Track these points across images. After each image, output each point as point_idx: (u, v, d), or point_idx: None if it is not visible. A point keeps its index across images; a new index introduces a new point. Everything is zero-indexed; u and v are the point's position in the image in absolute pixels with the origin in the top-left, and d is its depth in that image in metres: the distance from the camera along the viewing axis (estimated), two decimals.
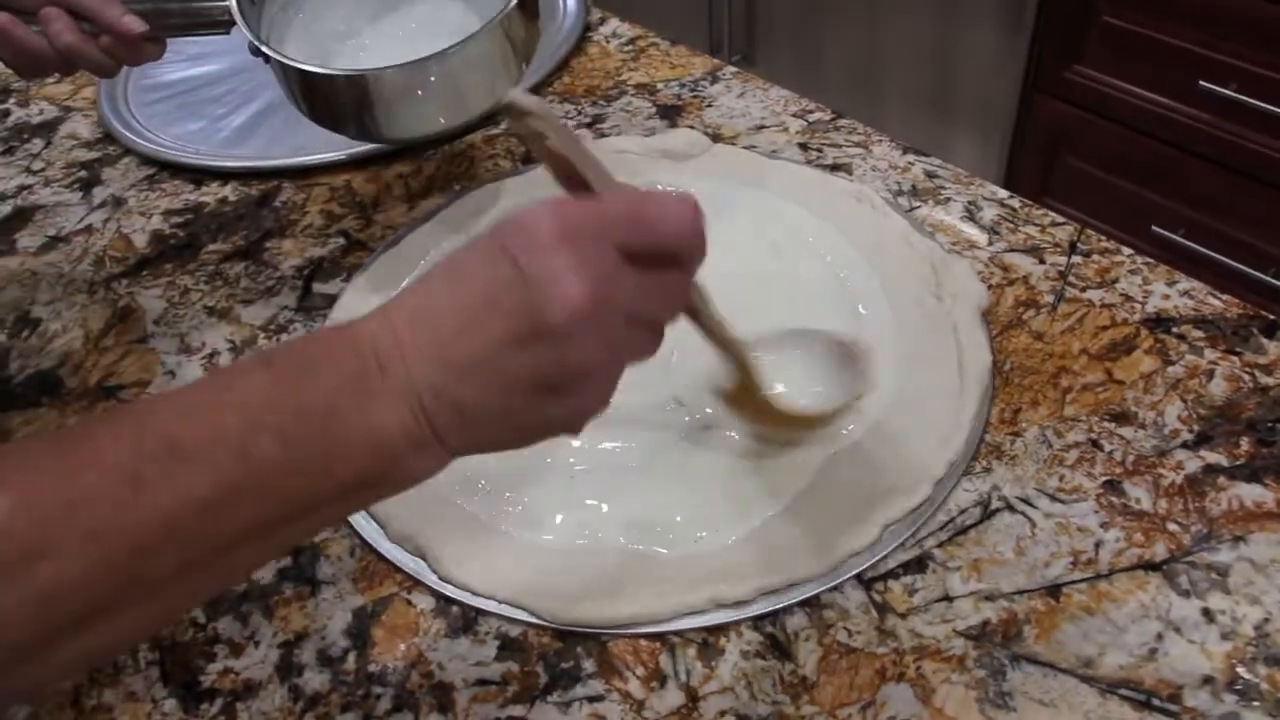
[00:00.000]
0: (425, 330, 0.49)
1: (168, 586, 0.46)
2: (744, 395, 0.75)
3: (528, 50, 0.92)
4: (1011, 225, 0.94)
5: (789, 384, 0.78)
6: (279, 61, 0.86)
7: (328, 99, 0.89)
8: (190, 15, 0.88)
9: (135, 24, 0.82)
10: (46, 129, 1.24)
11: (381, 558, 0.75)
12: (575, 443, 0.80)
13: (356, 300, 0.93)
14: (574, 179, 0.55)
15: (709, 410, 0.81)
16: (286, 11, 0.96)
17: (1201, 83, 1.71)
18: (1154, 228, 1.88)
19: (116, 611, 0.45)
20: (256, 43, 0.86)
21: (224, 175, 1.14)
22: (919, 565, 0.71)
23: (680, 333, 0.86)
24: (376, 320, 0.51)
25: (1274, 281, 1.76)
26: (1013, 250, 0.92)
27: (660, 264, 0.52)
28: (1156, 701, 0.62)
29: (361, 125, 0.89)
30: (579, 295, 0.48)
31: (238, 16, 0.86)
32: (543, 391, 0.50)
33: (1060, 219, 0.95)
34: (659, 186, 1.02)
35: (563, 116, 1.16)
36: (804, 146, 1.06)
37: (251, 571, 0.47)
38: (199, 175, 1.14)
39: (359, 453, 0.48)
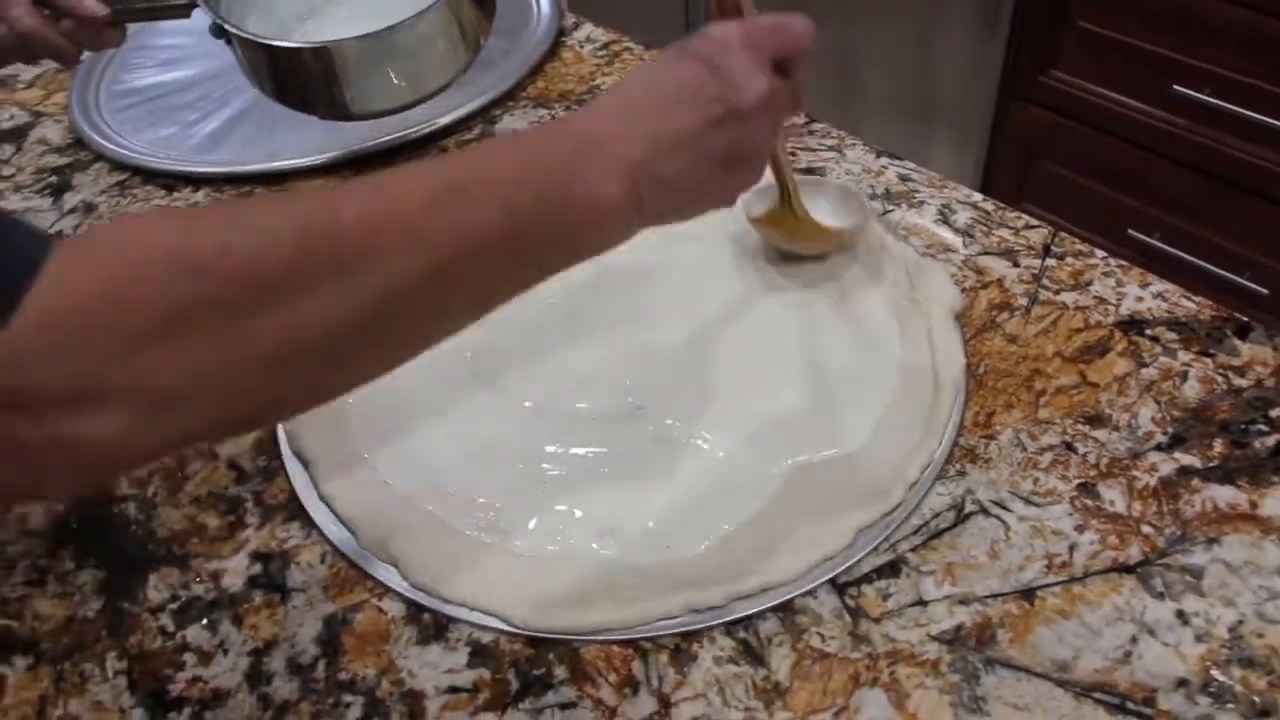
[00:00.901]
0: (632, 121, 0.59)
1: (448, 305, 0.55)
2: (780, 213, 0.90)
3: (483, 25, 0.92)
4: (985, 228, 0.94)
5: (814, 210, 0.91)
6: (241, 38, 0.85)
7: (293, 75, 0.88)
8: None
9: (96, 7, 0.82)
10: (17, 134, 1.23)
11: (353, 565, 0.74)
12: (549, 448, 0.79)
13: None
14: (727, 7, 0.68)
15: (669, 422, 0.81)
16: None
17: (1175, 87, 1.71)
18: (1130, 231, 1.89)
19: (415, 314, 0.53)
20: (219, 21, 0.85)
21: (196, 181, 1.13)
22: (892, 569, 0.70)
23: (647, 345, 0.87)
24: (586, 117, 0.60)
25: (1248, 284, 1.77)
26: (987, 253, 0.92)
27: (787, 71, 0.65)
28: (1131, 705, 0.62)
29: (330, 101, 0.89)
30: (765, 86, 0.61)
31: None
32: (729, 163, 0.62)
33: (1034, 222, 0.95)
34: None
35: (536, 122, 1.15)
36: None
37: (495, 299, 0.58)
38: (171, 181, 1.13)
39: (583, 208, 0.57)
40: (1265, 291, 1.76)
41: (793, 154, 0.88)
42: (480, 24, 0.92)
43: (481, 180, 0.55)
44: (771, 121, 0.64)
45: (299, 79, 0.88)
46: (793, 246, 0.92)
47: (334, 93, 0.87)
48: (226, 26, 0.85)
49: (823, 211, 0.92)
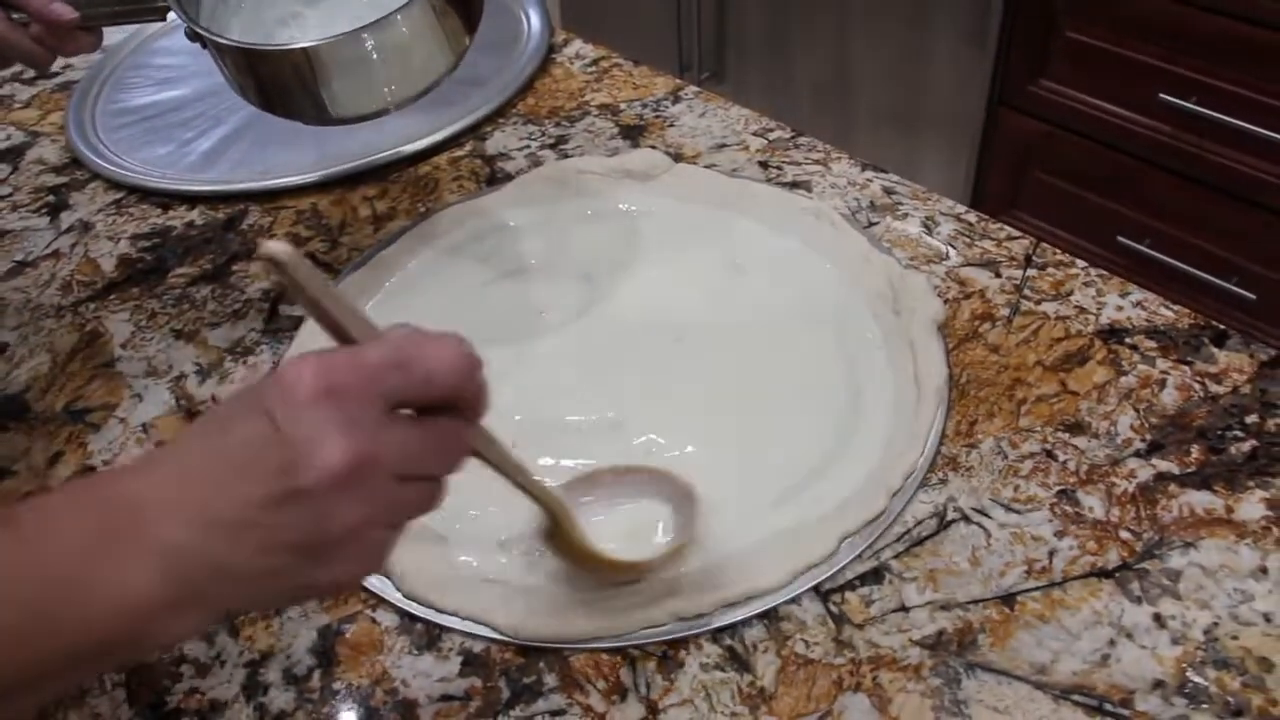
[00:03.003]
0: (182, 488, 0.47)
1: None
2: (560, 536, 0.70)
3: (464, 30, 0.91)
4: (968, 240, 0.96)
5: (624, 525, 0.75)
6: (216, 44, 0.84)
7: (273, 80, 0.87)
8: (124, 1, 0.87)
9: (64, 10, 0.81)
10: (13, 154, 1.24)
11: None
12: (539, 460, 0.81)
13: None
14: (338, 332, 0.51)
15: (650, 436, 0.82)
16: (227, 2, 0.95)
17: (1162, 96, 1.73)
18: (1120, 238, 1.90)
19: None
20: (195, 27, 0.84)
21: (191, 199, 1.14)
22: (875, 576, 0.72)
23: (629, 360, 0.88)
24: (131, 476, 0.49)
25: (1236, 289, 1.78)
26: (969, 264, 0.93)
27: (433, 412, 0.51)
28: (1109, 706, 0.63)
29: (314, 105, 0.88)
30: (338, 456, 0.46)
31: (172, 1, 0.85)
32: (304, 553, 0.48)
33: (1016, 233, 0.96)
34: (621, 207, 1.04)
35: (526, 139, 1.17)
36: (764, 165, 1.08)
37: None
38: (166, 199, 1.15)
39: (106, 617, 0.46)
40: (1253, 297, 1.77)
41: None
42: (461, 30, 0.91)
43: None
44: (375, 493, 0.48)
45: (277, 84, 0.87)
46: (580, 568, 0.73)
47: (314, 98, 0.87)
48: (198, 30, 0.84)
49: (644, 513, 0.76)
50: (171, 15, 0.88)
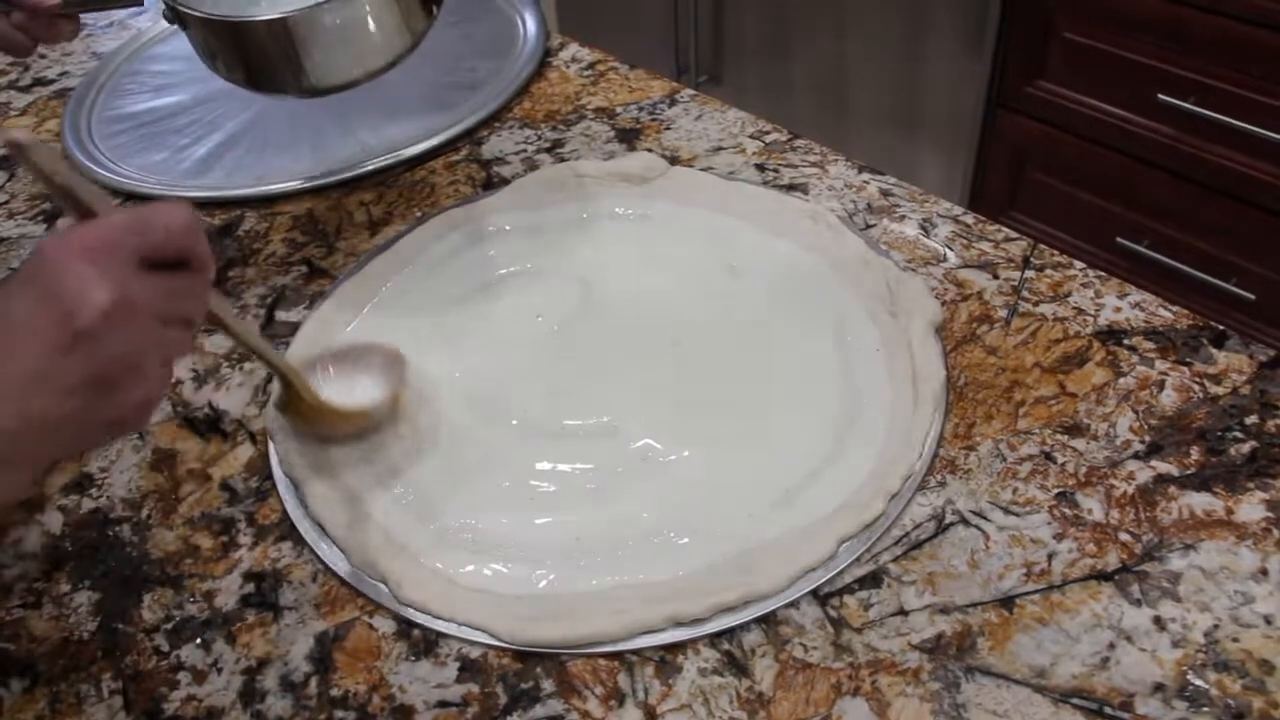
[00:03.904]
0: None
1: None
2: (295, 403, 0.80)
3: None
4: (966, 241, 0.96)
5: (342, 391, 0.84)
6: (198, 18, 0.85)
7: (255, 53, 0.89)
8: None
9: None
10: (10, 161, 1.24)
11: (343, 582, 0.75)
12: (536, 465, 0.81)
13: (319, 328, 0.94)
14: (81, 208, 0.59)
15: (647, 441, 0.82)
16: None
17: (1160, 96, 1.73)
18: (1118, 239, 1.90)
19: None
20: (170, 3, 0.85)
21: None
22: (874, 580, 0.71)
23: (626, 365, 0.88)
24: None
25: (1235, 289, 1.78)
26: (967, 266, 0.93)
27: (173, 268, 0.59)
28: (1109, 710, 0.63)
29: (296, 77, 0.89)
30: (105, 297, 0.53)
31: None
32: (94, 388, 0.55)
33: (1014, 235, 0.96)
34: (617, 210, 1.03)
35: (522, 142, 1.16)
36: (761, 167, 1.08)
37: None
38: None
39: None
40: (1252, 297, 1.77)
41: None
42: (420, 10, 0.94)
43: None
44: (142, 329, 0.56)
45: (259, 58, 0.89)
46: (318, 431, 0.84)
47: (296, 69, 0.89)
48: (178, 7, 0.85)
49: (366, 385, 0.85)
50: (148, 2, 0.88)
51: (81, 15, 0.90)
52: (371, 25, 0.90)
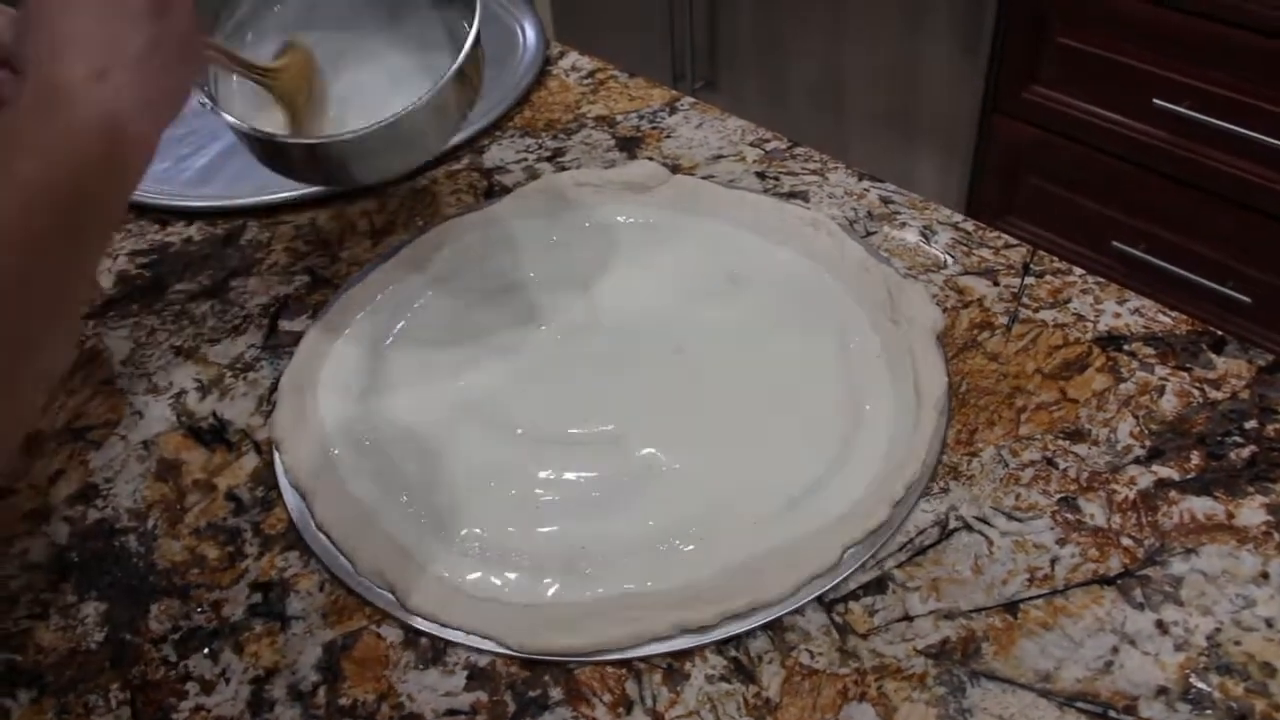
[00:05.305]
0: (80, 53, 0.59)
1: None
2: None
3: (479, 80, 0.95)
4: (966, 248, 0.96)
5: None
6: (241, 131, 0.88)
7: (297, 164, 0.91)
8: None
9: None
10: None
11: (351, 591, 0.75)
12: (541, 474, 0.81)
13: (322, 338, 0.94)
14: None
15: (650, 450, 0.83)
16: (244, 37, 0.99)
17: (1156, 101, 1.74)
18: (1115, 243, 1.91)
19: None
20: (236, 122, 0.89)
21: (189, 215, 1.15)
22: (879, 586, 0.72)
23: (628, 373, 0.89)
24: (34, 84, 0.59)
25: (1232, 293, 1.79)
26: (967, 273, 0.94)
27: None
28: (1113, 713, 0.64)
29: (335, 179, 0.93)
30: None
31: (206, 100, 0.89)
32: (153, 14, 0.62)
33: (1014, 241, 0.96)
34: (619, 219, 1.04)
35: (523, 151, 1.17)
36: (761, 175, 1.08)
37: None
38: (164, 215, 1.15)
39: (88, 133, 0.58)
40: (1248, 300, 1.78)
41: None
42: (479, 73, 0.96)
43: None
44: (181, 16, 0.65)
45: (304, 166, 0.92)
46: (291, 96, 0.93)
47: (341, 174, 0.92)
48: (238, 127, 0.89)
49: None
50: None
51: None
52: (411, 140, 0.92)
